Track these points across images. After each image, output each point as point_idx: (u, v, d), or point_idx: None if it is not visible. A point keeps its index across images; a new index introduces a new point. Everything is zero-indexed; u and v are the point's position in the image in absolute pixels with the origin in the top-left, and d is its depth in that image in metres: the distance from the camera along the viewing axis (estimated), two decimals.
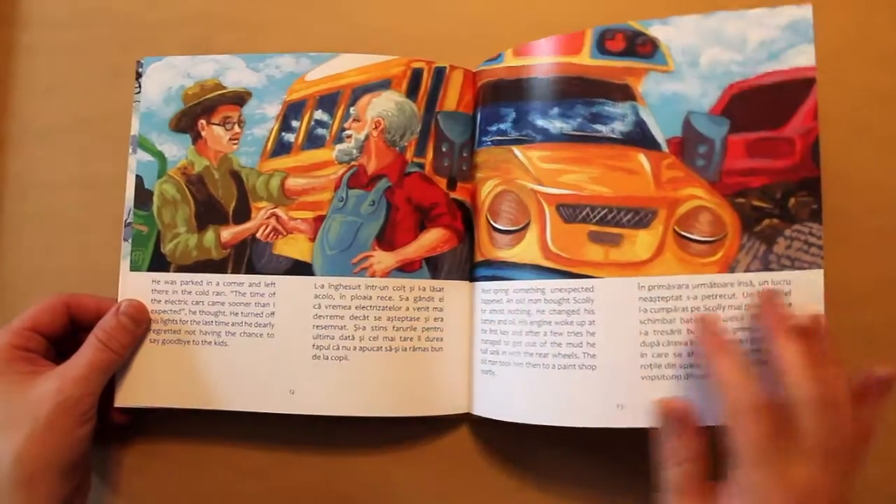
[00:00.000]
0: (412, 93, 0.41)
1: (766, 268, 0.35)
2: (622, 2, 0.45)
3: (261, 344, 0.39)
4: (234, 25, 0.45)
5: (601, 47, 0.37)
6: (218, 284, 0.40)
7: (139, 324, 0.39)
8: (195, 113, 0.42)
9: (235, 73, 0.42)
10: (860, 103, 0.44)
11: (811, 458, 0.30)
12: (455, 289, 0.41)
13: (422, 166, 0.41)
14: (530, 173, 0.38)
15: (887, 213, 0.44)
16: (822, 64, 0.43)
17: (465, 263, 0.41)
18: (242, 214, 0.41)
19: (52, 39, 0.45)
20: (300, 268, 0.40)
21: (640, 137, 0.36)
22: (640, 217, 0.36)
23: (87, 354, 0.36)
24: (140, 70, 0.42)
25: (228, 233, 0.41)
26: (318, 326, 0.39)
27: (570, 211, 0.37)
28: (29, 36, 0.45)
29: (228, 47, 0.44)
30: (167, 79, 0.42)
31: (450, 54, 0.42)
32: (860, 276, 0.43)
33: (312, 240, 0.40)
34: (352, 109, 0.41)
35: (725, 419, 0.31)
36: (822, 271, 0.35)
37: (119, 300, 0.40)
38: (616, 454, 0.42)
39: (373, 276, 0.39)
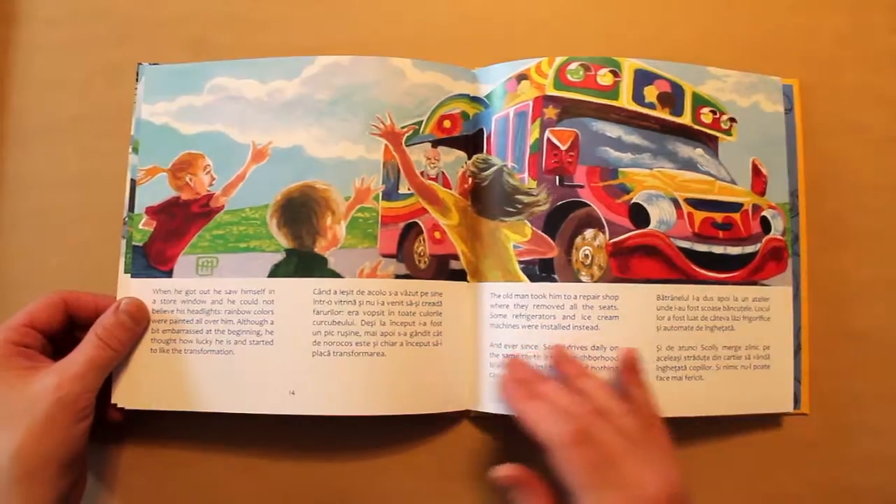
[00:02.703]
0: None
1: None
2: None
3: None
4: (231, 24, 0.45)
5: None
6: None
7: (139, 322, 0.39)
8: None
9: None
10: (855, 105, 0.45)
11: (630, 459, 0.32)
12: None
13: None
14: None
15: (882, 214, 0.44)
16: (818, 65, 0.44)
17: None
18: None
19: (50, 37, 0.45)
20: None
21: None
22: None
23: (85, 351, 0.36)
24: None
25: None
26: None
27: None
28: (27, 33, 0.45)
29: (225, 46, 0.44)
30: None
31: (450, 54, 0.42)
32: (854, 278, 0.43)
33: None
34: None
35: (550, 456, 0.33)
36: None
37: (118, 298, 0.40)
38: None
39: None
